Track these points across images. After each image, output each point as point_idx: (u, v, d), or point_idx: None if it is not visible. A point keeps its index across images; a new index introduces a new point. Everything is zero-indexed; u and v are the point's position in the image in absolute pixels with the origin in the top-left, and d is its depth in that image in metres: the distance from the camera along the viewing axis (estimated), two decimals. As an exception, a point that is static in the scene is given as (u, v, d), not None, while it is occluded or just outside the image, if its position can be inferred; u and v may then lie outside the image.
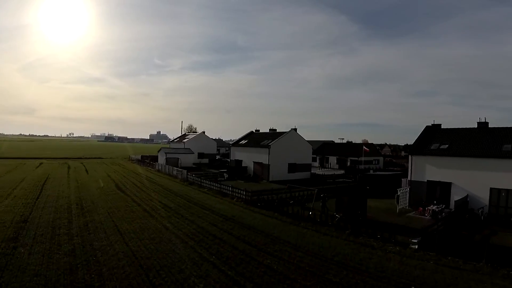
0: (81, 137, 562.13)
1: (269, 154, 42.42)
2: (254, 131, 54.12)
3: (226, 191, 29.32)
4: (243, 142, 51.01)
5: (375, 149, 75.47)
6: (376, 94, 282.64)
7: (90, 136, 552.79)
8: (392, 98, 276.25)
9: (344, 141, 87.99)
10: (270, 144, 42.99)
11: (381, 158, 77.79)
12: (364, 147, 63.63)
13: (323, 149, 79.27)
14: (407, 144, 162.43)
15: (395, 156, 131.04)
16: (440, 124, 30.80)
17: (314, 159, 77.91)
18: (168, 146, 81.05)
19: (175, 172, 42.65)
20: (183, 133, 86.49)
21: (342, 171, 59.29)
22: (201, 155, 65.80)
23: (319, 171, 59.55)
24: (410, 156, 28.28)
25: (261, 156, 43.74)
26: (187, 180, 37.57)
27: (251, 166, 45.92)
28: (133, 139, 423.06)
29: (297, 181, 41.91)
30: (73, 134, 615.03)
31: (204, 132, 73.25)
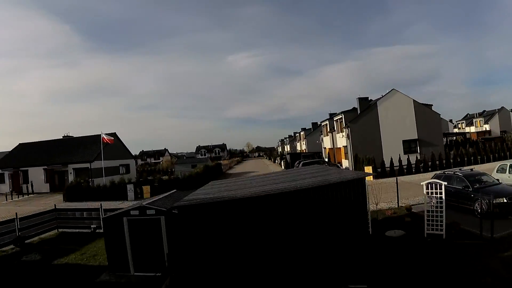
0: None
1: None
2: None
3: None
4: None
5: (121, 145, 47.28)
6: (103, 108, 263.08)
7: None
8: (119, 112, 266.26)
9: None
10: None
11: (132, 161, 51.02)
12: (104, 136, 34.70)
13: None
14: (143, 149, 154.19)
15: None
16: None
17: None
18: None
19: None
20: None
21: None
22: None
23: None
24: None
25: None
26: None
27: None
28: None
29: None
30: None
31: None
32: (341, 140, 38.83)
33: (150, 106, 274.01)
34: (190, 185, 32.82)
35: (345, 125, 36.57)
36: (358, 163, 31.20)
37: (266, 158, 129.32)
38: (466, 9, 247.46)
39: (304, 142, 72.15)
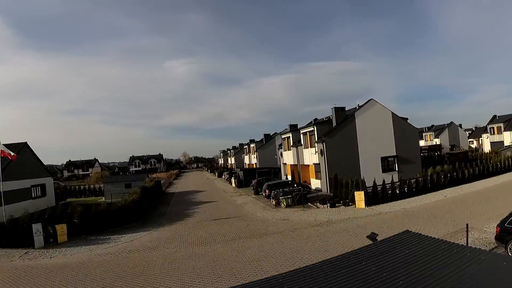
0: None
1: None
2: None
3: None
4: None
5: (34, 159, 37.79)
6: (24, 111, 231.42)
7: None
8: (45, 116, 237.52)
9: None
10: None
11: (49, 180, 41.43)
12: (3, 149, 26.00)
13: None
14: (71, 159, 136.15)
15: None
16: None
17: None
18: None
19: None
20: None
21: None
22: None
23: None
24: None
25: None
26: None
27: None
28: None
29: None
30: None
31: None
32: (311, 156, 34.06)
33: (80, 110, 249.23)
34: (125, 220, 25.33)
35: (318, 139, 31.89)
36: (340, 187, 26.41)
37: (207, 171, 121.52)
38: (400, 32, 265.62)
39: (255, 156, 66.76)
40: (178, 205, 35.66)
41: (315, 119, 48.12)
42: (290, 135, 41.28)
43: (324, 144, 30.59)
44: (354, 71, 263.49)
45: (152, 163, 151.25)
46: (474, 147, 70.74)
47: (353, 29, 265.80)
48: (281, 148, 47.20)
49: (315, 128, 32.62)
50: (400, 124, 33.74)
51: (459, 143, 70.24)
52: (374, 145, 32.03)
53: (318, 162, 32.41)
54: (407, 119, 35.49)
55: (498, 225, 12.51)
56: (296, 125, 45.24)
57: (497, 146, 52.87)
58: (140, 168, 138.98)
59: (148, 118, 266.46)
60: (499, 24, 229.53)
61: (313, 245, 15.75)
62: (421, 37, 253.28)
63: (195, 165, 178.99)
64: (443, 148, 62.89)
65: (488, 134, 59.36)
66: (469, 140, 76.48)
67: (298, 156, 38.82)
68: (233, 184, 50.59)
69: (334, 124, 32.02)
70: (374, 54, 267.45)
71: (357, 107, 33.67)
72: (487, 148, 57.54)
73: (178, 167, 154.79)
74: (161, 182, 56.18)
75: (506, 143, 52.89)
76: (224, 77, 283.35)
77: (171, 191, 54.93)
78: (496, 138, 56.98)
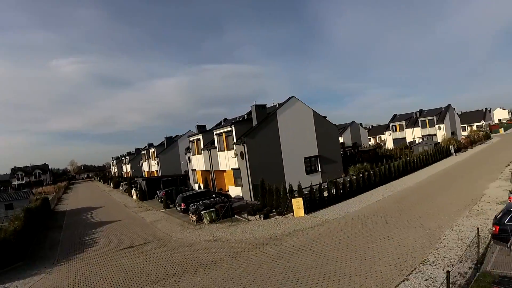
0: None
1: None
2: None
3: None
4: None
5: None
6: None
7: None
8: None
9: None
10: None
11: None
12: None
13: None
14: None
15: None
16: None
17: None
18: None
19: None
20: None
21: None
22: None
23: None
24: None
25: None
26: None
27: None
28: None
29: None
30: None
31: None
32: (229, 160, 30.31)
33: None
34: (6, 260, 18.24)
35: (237, 140, 28.27)
36: (269, 194, 23.05)
37: (99, 181, 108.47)
38: (293, 38, 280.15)
39: (156, 162, 60.26)
40: (74, 229, 28.48)
41: (225, 119, 44.64)
42: (201, 137, 36.89)
43: (245, 145, 27.09)
44: (248, 75, 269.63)
45: (37, 174, 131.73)
46: (373, 144, 75.10)
47: (246, 33, 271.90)
48: (189, 152, 42.49)
49: (233, 127, 28.90)
50: (321, 122, 32.17)
51: (361, 141, 73.82)
52: (297, 145, 29.75)
53: (237, 166, 28.76)
54: (326, 117, 34.12)
55: (495, 224, 11.17)
56: (205, 126, 41.12)
57: (399, 142, 56.19)
58: (24, 181, 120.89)
59: (31, 123, 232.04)
60: (382, 36, 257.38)
61: (274, 276, 11.70)
62: (312, 44, 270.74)
63: (85, 175, 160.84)
64: (359, 146, 64.87)
65: (390, 132, 63.20)
66: (368, 137, 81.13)
67: (212, 160, 34.70)
68: (135, 197, 44.20)
69: (255, 123, 28.73)
70: (268, 59, 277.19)
71: (277, 105, 31.09)
72: (390, 144, 61.08)
73: (66, 178, 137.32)
74: (49, 199, 46.83)
75: (408, 139, 56.49)
76: (115, 78, 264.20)
77: (62, 208, 45.79)
78: (399, 135, 60.90)
